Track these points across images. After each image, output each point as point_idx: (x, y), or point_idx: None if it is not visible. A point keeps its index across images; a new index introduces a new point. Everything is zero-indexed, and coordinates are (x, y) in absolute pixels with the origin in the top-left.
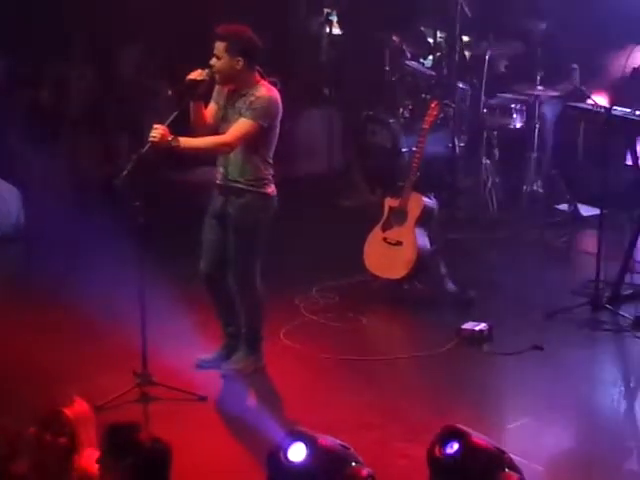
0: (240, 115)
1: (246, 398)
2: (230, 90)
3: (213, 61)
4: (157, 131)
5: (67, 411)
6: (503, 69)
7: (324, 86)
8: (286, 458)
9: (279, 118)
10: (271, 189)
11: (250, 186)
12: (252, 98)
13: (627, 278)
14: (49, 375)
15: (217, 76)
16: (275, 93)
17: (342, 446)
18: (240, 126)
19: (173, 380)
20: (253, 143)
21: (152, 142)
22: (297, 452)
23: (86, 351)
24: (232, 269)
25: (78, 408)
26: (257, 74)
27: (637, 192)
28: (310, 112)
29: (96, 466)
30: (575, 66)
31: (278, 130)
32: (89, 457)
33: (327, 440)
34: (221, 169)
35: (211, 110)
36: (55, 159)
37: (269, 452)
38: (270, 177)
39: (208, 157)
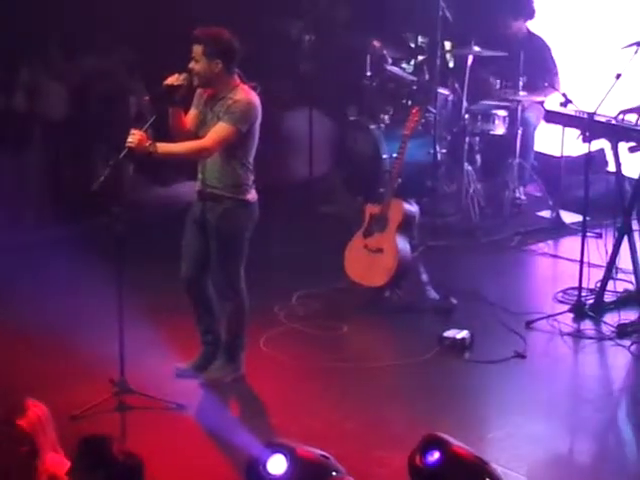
0: (218, 119)
1: (225, 407)
2: (209, 94)
3: (192, 64)
4: (134, 136)
5: (21, 422)
6: (486, 74)
7: (305, 91)
8: (266, 471)
9: (258, 122)
10: (251, 195)
11: (229, 192)
12: (230, 102)
13: (610, 285)
14: (25, 385)
15: (196, 79)
16: (254, 97)
17: (322, 456)
18: (218, 130)
19: (151, 389)
20: (231, 148)
21: (129, 147)
22: (277, 464)
23: (63, 360)
24: (214, 276)
25: (32, 415)
26: (237, 77)
27: (619, 199)
28: (290, 118)
29: (61, 468)
30: (557, 71)
31: (258, 135)
32: (52, 460)
33: (307, 450)
34: (200, 175)
35: (192, 116)
36: (30, 164)
37: (247, 465)
38: (250, 183)
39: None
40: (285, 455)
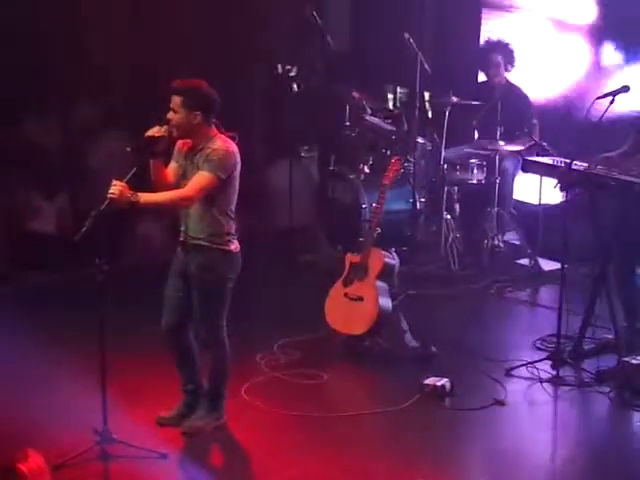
0: (198, 169)
1: (207, 456)
2: (189, 147)
3: (170, 115)
4: (116, 187)
5: (22, 467)
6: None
7: (285, 142)
8: None
9: (238, 171)
10: (234, 246)
11: (211, 242)
12: (209, 151)
13: (588, 332)
14: (9, 433)
15: (174, 130)
16: (232, 146)
17: None
18: (198, 179)
19: (134, 438)
20: (212, 196)
21: (111, 199)
22: None
23: (45, 409)
24: (196, 326)
25: (32, 463)
26: (214, 128)
27: (597, 247)
28: (271, 167)
29: None
30: (535, 121)
31: (238, 184)
32: None
33: None
34: (182, 226)
35: (172, 169)
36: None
37: None
38: (232, 232)
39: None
40: None
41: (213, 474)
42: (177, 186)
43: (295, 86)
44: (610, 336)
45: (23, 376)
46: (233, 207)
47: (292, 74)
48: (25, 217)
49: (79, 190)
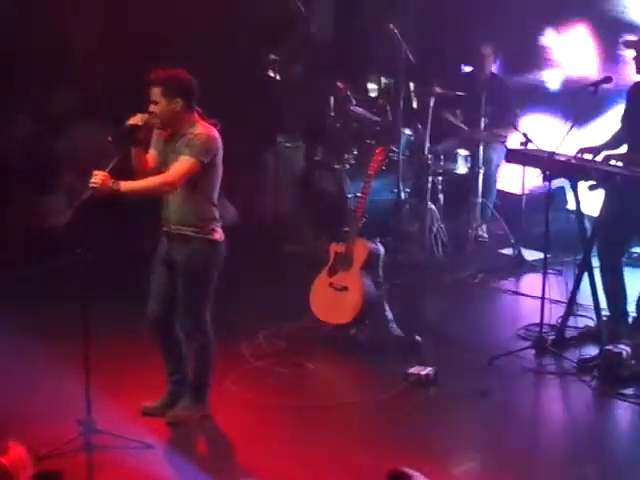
0: (180, 155)
1: (193, 446)
2: (168, 134)
3: (152, 107)
4: (98, 177)
5: (3, 460)
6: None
7: (270, 131)
8: None
9: (220, 157)
10: (219, 235)
11: (196, 232)
12: (190, 136)
13: (571, 321)
14: None
15: (158, 121)
16: (213, 131)
17: None
18: (180, 164)
19: (118, 428)
20: (195, 182)
21: (93, 188)
22: None
23: (29, 400)
24: (181, 315)
25: (13, 455)
26: (196, 114)
27: (579, 236)
28: (256, 157)
29: None
30: (518, 111)
31: (221, 171)
32: None
33: None
34: (165, 215)
35: (151, 156)
36: None
37: None
38: (216, 220)
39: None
40: None
41: (199, 464)
42: (158, 173)
43: (278, 76)
44: (592, 325)
45: (4, 367)
46: (216, 194)
47: (275, 63)
48: (7, 211)
49: (62, 182)
